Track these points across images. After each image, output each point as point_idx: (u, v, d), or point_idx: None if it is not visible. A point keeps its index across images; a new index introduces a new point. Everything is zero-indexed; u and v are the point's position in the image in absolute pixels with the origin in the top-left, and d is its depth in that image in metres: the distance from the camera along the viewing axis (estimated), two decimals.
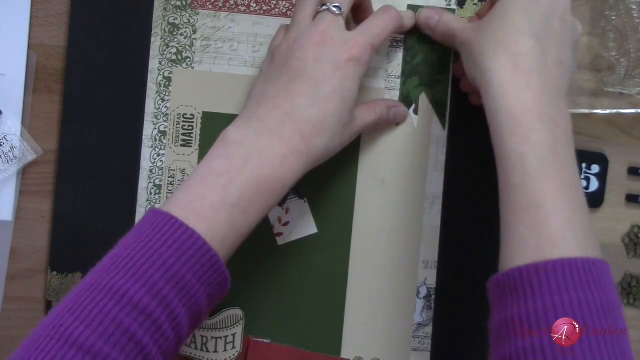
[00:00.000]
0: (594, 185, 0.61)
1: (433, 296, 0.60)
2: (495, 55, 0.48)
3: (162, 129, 0.60)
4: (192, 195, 0.46)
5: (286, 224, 0.59)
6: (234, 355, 0.58)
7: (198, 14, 0.60)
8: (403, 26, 0.56)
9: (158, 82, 0.59)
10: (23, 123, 0.59)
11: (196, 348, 0.58)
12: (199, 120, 0.60)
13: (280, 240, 0.59)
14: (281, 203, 0.58)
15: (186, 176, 0.59)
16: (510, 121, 0.46)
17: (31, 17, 0.59)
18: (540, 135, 0.45)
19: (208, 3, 0.60)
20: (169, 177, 0.60)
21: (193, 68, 0.60)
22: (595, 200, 0.61)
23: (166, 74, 0.60)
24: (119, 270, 0.42)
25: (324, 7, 0.51)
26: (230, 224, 0.45)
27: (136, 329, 0.41)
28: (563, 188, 0.45)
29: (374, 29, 0.52)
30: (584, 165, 0.61)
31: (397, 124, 0.60)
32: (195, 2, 0.60)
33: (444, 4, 0.60)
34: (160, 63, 0.60)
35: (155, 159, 0.60)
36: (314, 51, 0.49)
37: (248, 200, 0.46)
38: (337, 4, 0.51)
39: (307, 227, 0.59)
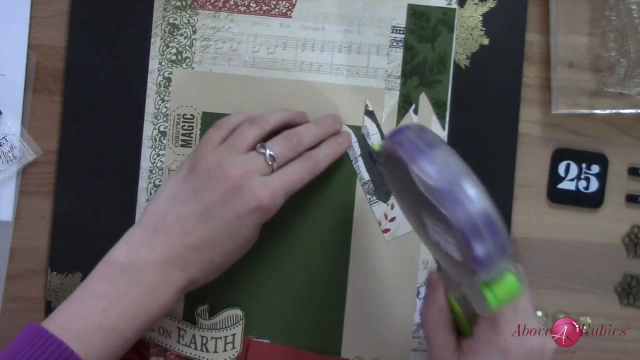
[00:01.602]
0: (594, 185, 0.61)
1: None
2: None
3: (162, 129, 0.60)
4: (72, 314, 0.47)
5: (392, 219, 0.59)
6: (233, 355, 0.58)
7: (198, 14, 0.60)
8: (320, 169, 0.55)
9: (158, 82, 0.59)
10: (23, 123, 0.59)
11: (196, 348, 0.58)
12: (199, 121, 0.60)
13: (389, 237, 0.59)
14: (386, 199, 0.59)
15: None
16: None
17: (31, 17, 0.59)
18: None
19: (208, 3, 0.60)
20: (169, 177, 0.60)
21: (193, 68, 0.60)
22: (595, 200, 0.61)
23: (166, 74, 0.60)
24: None
25: (261, 150, 0.52)
26: (105, 346, 0.46)
27: None
28: None
29: (291, 176, 0.52)
30: (584, 165, 0.61)
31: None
32: (195, 3, 0.60)
33: (444, 3, 0.60)
34: (160, 63, 0.60)
35: (155, 159, 0.60)
36: (226, 192, 0.49)
37: (125, 324, 0.47)
38: (275, 156, 0.52)
39: None
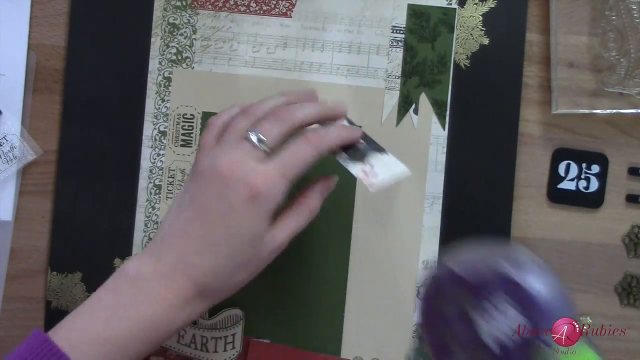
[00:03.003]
0: (594, 185, 0.61)
1: None
2: None
3: (162, 129, 0.60)
4: (76, 324, 0.46)
5: (375, 175, 0.51)
6: (233, 355, 0.58)
7: (198, 14, 0.60)
8: (332, 149, 0.50)
9: (158, 82, 0.59)
10: (23, 123, 0.59)
11: (196, 348, 0.58)
12: (199, 120, 0.60)
13: (372, 188, 0.50)
14: (362, 160, 0.51)
15: (186, 176, 0.59)
16: None
17: (31, 17, 0.59)
18: None
19: (208, 3, 0.60)
20: (168, 177, 0.60)
21: (193, 68, 0.60)
22: (595, 200, 0.61)
23: (166, 74, 0.60)
24: None
25: (248, 135, 0.47)
26: (103, 357, 0.45)
27: None
28: None
29: (289, 156, 0.47)
30: (584, 165, 0.61)
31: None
32: (195, 2, 0.60)
33: (444, 3, 0.60)
34: (160, 63, 0.60)
35: (155, 159, 0.60)
36: (218, 188, 0.46)
37: (127, 338, 0.45)
38: (263, 138, 0.47)
39: (397, 168, 0.52)
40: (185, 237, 0.47)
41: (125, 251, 0.59)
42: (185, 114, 0.60)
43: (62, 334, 0.45)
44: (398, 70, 0.60)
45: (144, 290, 0.46)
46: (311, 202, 0.51)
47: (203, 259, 0.47)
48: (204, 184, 0.47)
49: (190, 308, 0.47)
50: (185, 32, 0.60)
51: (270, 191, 0.46)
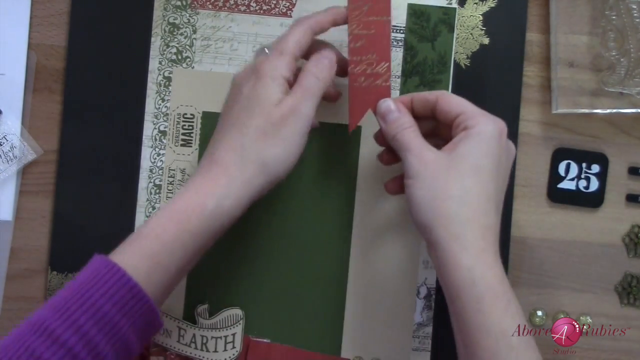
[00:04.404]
0: (594, 185, 0.61)
1: (433, 296, 0.60)
2: (464, 229, 0.47)
3: (162, 128, 0.60)
4: (127, 240, 0.48)
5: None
6: (234, 355, 0.58)
7: (198, 13, 0.60)
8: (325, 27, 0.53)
9: (158, 82, 0.59)
10: (23, 123, 0.59)
11: (196, 348, 0.58)
12: (199, 120, 0.60)
13: None
14: None
15: (186, 176, 0.59)
16: (488, 293, 0.46)
17: (31, 17, 0.59)
18: (514, 305, 0.46)
19: (208, 3, 0.60)
20: (169, 176, 0.60)
21: (193, 68, 0.60)
22: (595, 200, 0.61)
23: (166, 74, 0.60)
24: (51, 301, 0.45)
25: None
26: (142, 252, 0.47)
27: (43, 353, 0.42)
28: (538, 356, 0.46)
29: (283, 41, 0.51)
30: (584, 165, 0.61)
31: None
32: (195, 2, 0.60)
33: (444, 3, 0.60)
34: (160, 63, 0.60)
35: (155, 158, 0.60)
36: (236, 91, 0.51)
37: (162, 228, 0.47)
38: (267, 47, 0.52)
39: None
40: (215, 133, 0.51)
41: None
42: (186, 114, 0.60)
43: (118, 254, 0.47)
44: (398, 70, 0.60)
45: (186, 188, 0.49)
46: (309, 65, 0.52)
47: (229, 140, 0.50)
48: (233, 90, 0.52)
49: (233, 198, 0.48)
50: (185, 31, 0.60)
51: (271, 72, 0.50)
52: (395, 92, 0.60)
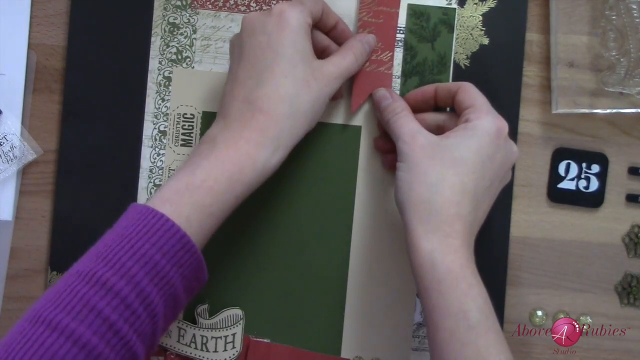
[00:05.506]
0: (594, 185, 0.61)
1: None
2: (431, 215, 0.49)
3: (162, 128, 0.60)
4: (165, 189, 0.48)
5: None
6: (234, 355, 0.58)
7: (198, 13, 0.60)
8: None
9: (158, 81, 0.59)
10: (23, 123, 0.59)
11: (196, 348, 0.58)
12: (199, 120, 0.60)
13: None
14: None
15: None
16: (448, 276, 0.47)
17: (31, 17, 0.59)
18: (477, 289, 0.47)
19: (208, 3, 0.60)
20: (169, 176, 0.60)
21: (193, 68, 0.60)
22: (595, 200, 0.61)
23: (166, 74, 0.60)
24: (89, 253, 0.45)
25: None
26: (195, 204, 0.47)
27: (98, 302, 0.41)
28: (500, 337, 0.47)
29: None
30: (584, 165, 0.61)
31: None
32: (195, 2, 0.60)
33: (444, 3, 0.60)
34: (160, 63, 0.60)
35: (155, 158, 0.60)
36: (257, 35, 0.51)
37: (213, 179, 0.47)
38: None
39: None
40: (237, 82, 0.51)
41: None
42: (185, 114, 0.60)
43: (155, 199, 0.47)
44: (398, 70, 0.60)
45: (220, 139, 0.49)
46: (355, 46, 0.55)
47: (257, 91, 0.50)
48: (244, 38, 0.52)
49: (265, 140, 0.49)
50: (185, 31, 0.60)
51: (290, 9, 0.51)
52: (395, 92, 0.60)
